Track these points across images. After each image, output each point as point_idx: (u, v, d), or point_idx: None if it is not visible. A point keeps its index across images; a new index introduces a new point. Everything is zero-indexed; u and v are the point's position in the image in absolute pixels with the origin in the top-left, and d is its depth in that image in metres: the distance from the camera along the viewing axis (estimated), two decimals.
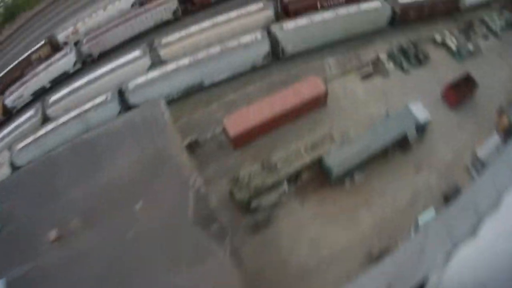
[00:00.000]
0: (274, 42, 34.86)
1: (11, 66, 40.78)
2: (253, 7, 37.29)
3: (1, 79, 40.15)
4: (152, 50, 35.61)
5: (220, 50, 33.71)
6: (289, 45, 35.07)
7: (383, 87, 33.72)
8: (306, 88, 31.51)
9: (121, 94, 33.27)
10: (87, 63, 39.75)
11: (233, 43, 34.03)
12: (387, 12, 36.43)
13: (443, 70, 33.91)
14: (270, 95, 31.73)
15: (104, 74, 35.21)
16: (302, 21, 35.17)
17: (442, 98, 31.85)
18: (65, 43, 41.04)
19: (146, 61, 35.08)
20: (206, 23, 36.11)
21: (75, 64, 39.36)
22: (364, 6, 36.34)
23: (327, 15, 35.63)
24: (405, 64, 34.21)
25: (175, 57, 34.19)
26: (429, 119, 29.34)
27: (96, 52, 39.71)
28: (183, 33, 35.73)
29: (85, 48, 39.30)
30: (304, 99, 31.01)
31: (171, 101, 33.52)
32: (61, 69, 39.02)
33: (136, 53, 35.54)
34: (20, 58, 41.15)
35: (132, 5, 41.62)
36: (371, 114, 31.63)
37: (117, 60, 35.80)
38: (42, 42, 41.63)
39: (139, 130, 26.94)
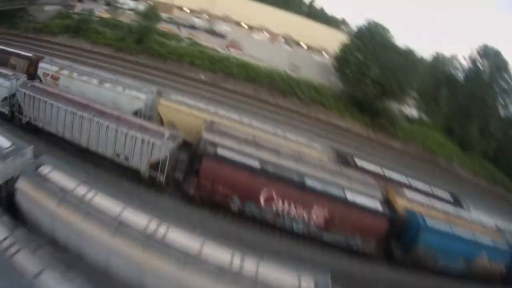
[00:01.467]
0: None
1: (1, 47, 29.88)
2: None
3: None
4: None
5: None
6: None
7: None
8: None
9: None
10: (15, 119, 23.47)
11: None
12: None
13: None
14: None
15: None
16: None
17: None
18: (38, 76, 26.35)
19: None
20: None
21: (3, 101, 23.52)
22: None
23: None
24: None
25: None
26: None
27: (28, 115, 22.62)
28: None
29: (19, 95, 22.52)
30: None
31: None
32: None
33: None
34: (6, 49, 29.92)
35: (137, 113, 24.14)
36: None
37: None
38: (29, 54, 29.04)
39: None
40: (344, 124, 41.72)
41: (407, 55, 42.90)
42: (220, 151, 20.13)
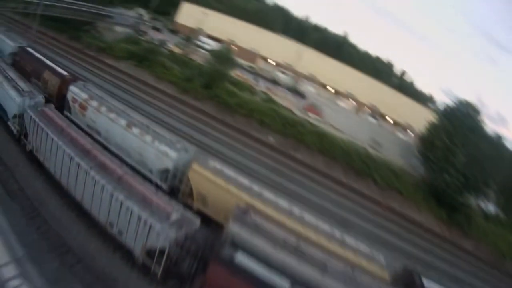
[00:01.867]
0: None
1: (40, 57, 26.98)
2: None
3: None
4: None
5: None
6: None
7: None
8: None
9: None
10: (21, 141, 19.65)
11: None
12: None
13: None
14: None
15: None
16: None
17: None
18: (67, 100, 22.47)
19: None
20: None
21: (14, 118, 19.67)
22: None
23: None
24: None
25: None
26: None
27: (31, 142, 18.43)
28: None
29: (26, 117, 18.51)
30: None
31: None
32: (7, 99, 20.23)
33: None
34: (45, 60, 26.69)
35: (164, 174, 18.33)
36: None
37: None
38: (64, 72, 25.30)
39: None
40: (419, 218, 33.80)
41: (497, 143, 39.08)
42: (239, 258, 13.36)
